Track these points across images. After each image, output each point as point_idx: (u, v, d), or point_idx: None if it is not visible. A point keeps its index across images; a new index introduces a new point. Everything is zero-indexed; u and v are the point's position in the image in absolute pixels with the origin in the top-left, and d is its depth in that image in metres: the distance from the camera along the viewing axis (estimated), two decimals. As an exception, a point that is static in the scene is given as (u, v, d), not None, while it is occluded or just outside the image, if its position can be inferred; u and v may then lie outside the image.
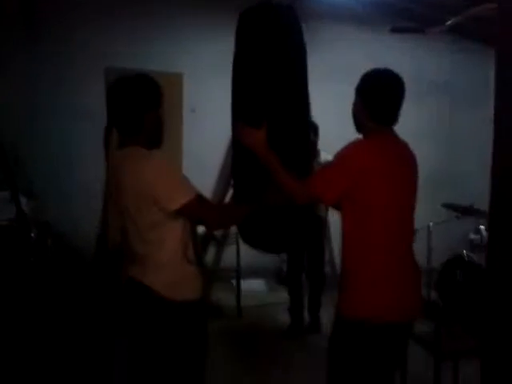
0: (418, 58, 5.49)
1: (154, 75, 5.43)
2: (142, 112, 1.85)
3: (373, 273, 1.87)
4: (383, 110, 1.92)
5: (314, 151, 3.77)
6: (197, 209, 1.81)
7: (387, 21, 4.93)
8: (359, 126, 1.99)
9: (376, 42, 5.40)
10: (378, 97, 1.91)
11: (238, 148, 2.15)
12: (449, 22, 3.42)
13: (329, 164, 1.95)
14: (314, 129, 3.82)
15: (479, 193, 5.25)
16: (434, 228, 4.26)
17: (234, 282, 4.50)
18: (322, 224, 3.98)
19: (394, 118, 1.95)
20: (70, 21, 4.84)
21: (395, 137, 1.98)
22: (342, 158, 1.90)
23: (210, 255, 4.84)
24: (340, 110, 4.94)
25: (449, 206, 4.15)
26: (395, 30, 4.15)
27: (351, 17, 5.41)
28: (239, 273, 4.40)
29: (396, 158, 1.91)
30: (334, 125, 4.52)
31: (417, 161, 2.01)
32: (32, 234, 3.15)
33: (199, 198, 1.83)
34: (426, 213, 3.25)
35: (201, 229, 4.94)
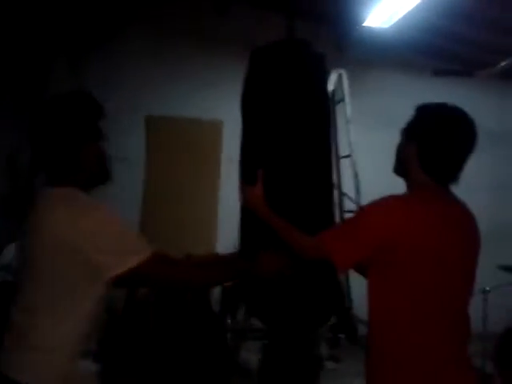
0: (470, 104, 5.21)
1: (195, 122, 5.31)
2: (79, 145, 1.42)
3: (406, 374, 1.42)
4: (442, 163, 1.46)
5: None
6: (156, 268, 1.40)
7: (436, 65, 4.70)
8: (404, 174, 1.58)
9: (425, 86, 5.17)
10: (440, 144, 1.45)
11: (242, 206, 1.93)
12: (501, 65, 3.16)
13: (351, 220, 1.57)
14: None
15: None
16: (489, 292, 3.86)
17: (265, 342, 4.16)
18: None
19: (454, 175, 1.49)
20: (114, 71, 4.92)
21: (449, 196, 1.52)
22: (368, 216, 1.49)
23: (240, 313, 4.57)
24: (389, 159, 4.77)
25: (506, 268, 3.75)
26: (438, 73, 3.85)
27: (397, 62, 5.29)
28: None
29: (446, 225, 1.45)
30: (381, 176, 4.24)
31: (478, 228, 1.54)
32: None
33: (157, 255, 1.42)
34: (480, 275, 2.90)
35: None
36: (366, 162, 4.44)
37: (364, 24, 4.38)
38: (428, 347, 1.43)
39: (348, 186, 4.47)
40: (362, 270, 1.56)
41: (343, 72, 4.51)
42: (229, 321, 4.28)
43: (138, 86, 4.97)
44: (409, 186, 1.57)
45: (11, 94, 4.52)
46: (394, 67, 5.29)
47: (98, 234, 1.33)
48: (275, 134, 1.77)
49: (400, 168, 1.59)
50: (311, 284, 1.74)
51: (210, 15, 5.02)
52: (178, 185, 5.08)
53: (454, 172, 1.49)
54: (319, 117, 1.79)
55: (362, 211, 1.54)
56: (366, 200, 4.44)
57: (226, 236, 5.09)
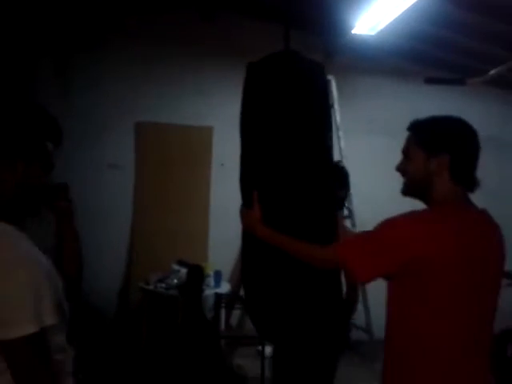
0: (462, 110, 5.25)
1: (185, 128, 5.31)
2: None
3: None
4: (472, 168, 1.52)
5: (340, 210, 2.63)
6: (28, 354, 1.08)
7: (427, 72, 4.76)
8: (422, 191, 1.54)
9: (416, 94, 5.22)
10: (470, 151, 1.53)
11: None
12: (491, 72, 3.19)
13: (373, 233, 1.48)
14: (341, 178, 2.60)
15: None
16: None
17: (260, 347, 4.16)
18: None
19: (476, 180, 1.54)
20: (101, 77, 4.91)
21: (473, 206, 1.53)
22: (391, 229, 1.44)
23: (234, 318, 4.59)
24: (378, 164, 4.82)
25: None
26: (430, 81, 3.86)
27: (385, 68, 5.33)
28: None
29: (473, 238, 1.44)
30: (371, 181, 4.26)
31: (502, 238, 1.52)
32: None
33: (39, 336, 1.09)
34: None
35: (227, 287, 4.69)
36: (356, 167, 4.49)
37: (352, 31, 4.41)
38: (450, 359, 1.42)
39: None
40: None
41: (332, 78, 4.55)
42: (222, 327, 4.27)
43: (127, 93, 4.97)
44: (430, 202, 1.54)
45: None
46: (382, 73, 5.33)
47: None
48: (276, 150, 1.69)
49: (417, 186, 1.55)
50: (317, 298, 1.70)
51: (197, 23, 5.04)
52: (168, 191, 5.08)
53: (475, 175, 1.54)
54: (322, 128, 1.74)
55: (388, 224, 1.46)
56: (356, 205, 4.48)
57: (217, 240, 5.10)
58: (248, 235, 1.75)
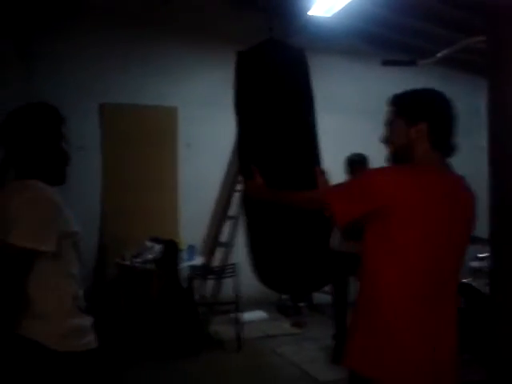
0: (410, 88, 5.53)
1: (150, 109, 5.39)
2: (46, 146, 1.69)
3: (389, 323, 1.55)
4: (448, 135, 1.66)
5: None
6: (18, 262, 1.51)
7: (380, 53, 5.04)
8: (406, 157, 1.66)
9: (369, 74, 5.48)
10: (446, 120, 1.67)
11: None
12: (440, 54, 3.49)
13: (355, 180, 1.73)
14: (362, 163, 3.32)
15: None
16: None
17: (234, 314, 4.44)
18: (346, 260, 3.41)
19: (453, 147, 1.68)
20: (64, 58, 4.90)
21: (451, 171, 1.68)
22: (372, 178, 1.62)
23: (209, 287, 4.82)
24: (334, 142, 5.10)
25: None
26: (387, 63, 4.17)
27: (341, 50, 5.52)
28: (238, 305, 4.31)
29: (444, 197, 1.58)
30: (327, 159, 4.53)
31: (473, 202, 1.67)
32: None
33: (37, 254, 1.53)
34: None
35: (200, 260, 4.90)
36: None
37: (309, 13, 4.62)
38: (421, 305, 1.56)
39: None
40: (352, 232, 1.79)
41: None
42: (197, 297, 4.51)
43: (91, 75, 4.97)
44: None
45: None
46: (336, 54, 5.53)
47: (22, 210, 1.54)
48: (268, 127, 1.98)
49: (400, 153, 1.68)
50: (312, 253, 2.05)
51: (159, 3, 5.07)
52: (136, 171, 5.17)
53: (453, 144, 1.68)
54: (308, 108, 2.04)
55: (366, 174, 1.69)
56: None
57: (187, 216, 5.29)
58: (251, 203, 2.07)
